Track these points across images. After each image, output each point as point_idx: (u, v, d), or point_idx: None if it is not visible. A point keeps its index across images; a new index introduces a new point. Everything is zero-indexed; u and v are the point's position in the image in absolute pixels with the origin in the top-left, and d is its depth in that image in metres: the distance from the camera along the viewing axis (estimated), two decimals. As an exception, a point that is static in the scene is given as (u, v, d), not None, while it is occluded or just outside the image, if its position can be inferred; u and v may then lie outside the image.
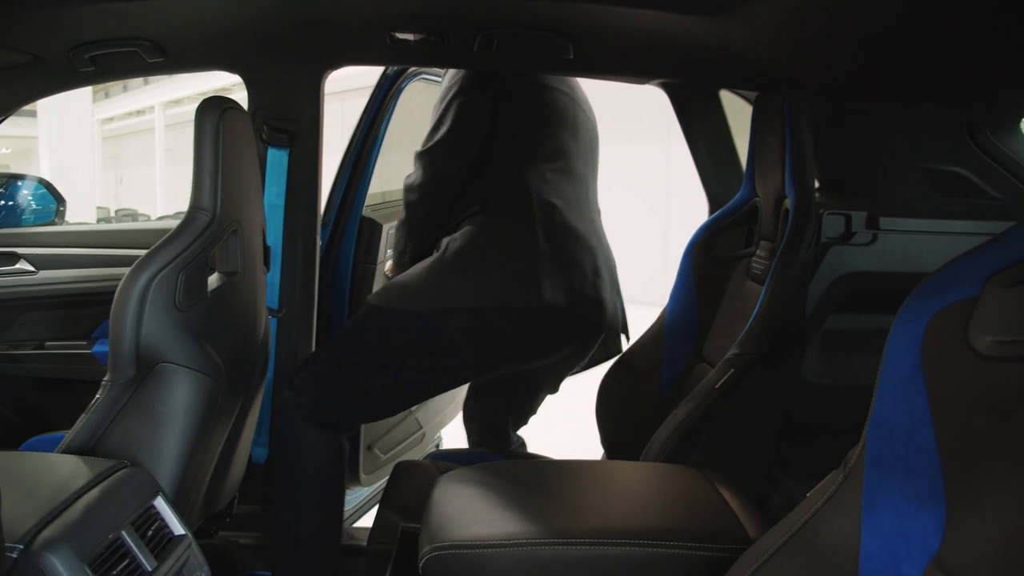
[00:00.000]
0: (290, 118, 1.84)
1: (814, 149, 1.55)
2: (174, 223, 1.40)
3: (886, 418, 0.72)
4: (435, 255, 1.71)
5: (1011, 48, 1.40)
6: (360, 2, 1.56)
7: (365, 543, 1.88)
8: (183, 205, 1.39)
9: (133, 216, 10.21)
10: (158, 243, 1.30)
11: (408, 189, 1.83)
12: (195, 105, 1.41)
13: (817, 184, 1.88)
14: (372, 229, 2.21)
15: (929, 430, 0.68)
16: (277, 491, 1.74)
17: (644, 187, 8.98)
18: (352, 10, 1.60)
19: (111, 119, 16.57)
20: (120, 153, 16.92)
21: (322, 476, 1.70)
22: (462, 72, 1.79)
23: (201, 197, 1.35)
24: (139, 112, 15.51)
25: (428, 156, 1.79)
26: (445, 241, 1.72)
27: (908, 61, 1.51)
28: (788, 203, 1.50)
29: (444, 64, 1.90)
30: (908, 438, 0.70)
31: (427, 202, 1.81)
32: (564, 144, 1.81)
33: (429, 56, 1.81)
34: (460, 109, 1.75)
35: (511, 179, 1.74)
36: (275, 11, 1.60)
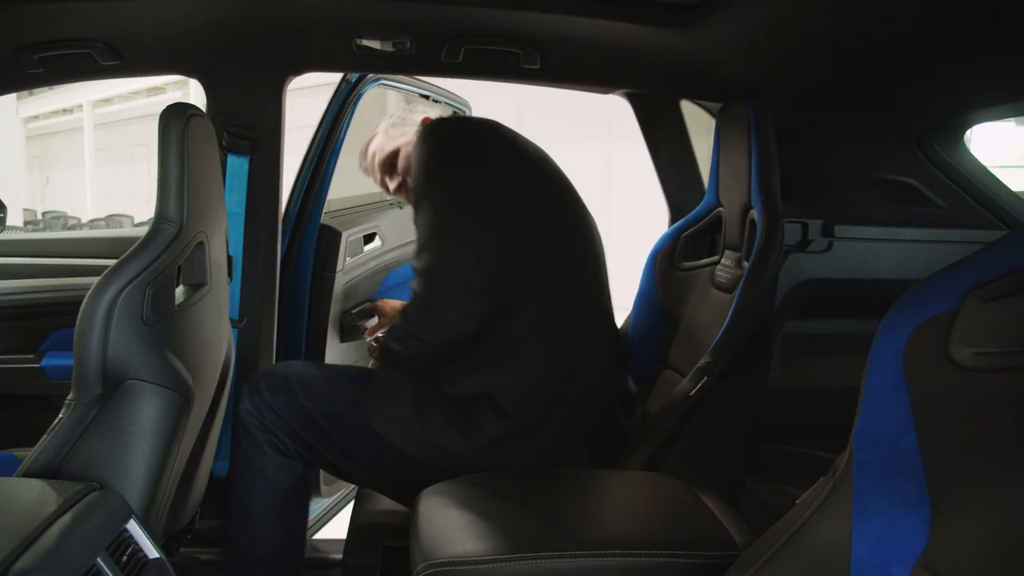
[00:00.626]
0: (250, 124, 1.81)
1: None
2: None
3: (872, 426, 0.74)
4: (434, 400, 1.49)
5: (960, 63, 1.47)
6: (325, 7, 1.53)
7: (334, 557, 1.85)
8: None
9: (63, 219, 9.79)
10: (124, 255, 1.25)
11: (410, 335, 1.51)
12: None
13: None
14: (331, 237, 2.17)
15: (913, 438, 0.71)
16: (232, 509, 1.62)
17: (585, 189, 9.06)
18: (316, 15, 1.57)
19: (36, 117, 15.91)
20: (46, 153, 16.23)
21: (281, 501, 1.56)
22: (455, 194, 1.49)
23: (167, 207, 1.31)
24: (66, 111, 14.93)
25: (430, 314, 1.47)
26: (450, 391, 1.49)
27: (865, 71, 1.57)
28: (755, 214, 1.54)
29: (410, 72, 1.88)
30: (893, 446, 0.73)
31: (431, 355, 1.52)
32: (583, 265, 1.58)
33: (395, 64, 1.79)
34: (465, 255, 1.45)
35: (524, 326, 1.48)
36: (236, 14, 1.56)
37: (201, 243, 1.42)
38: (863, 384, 0.75)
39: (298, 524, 1.62)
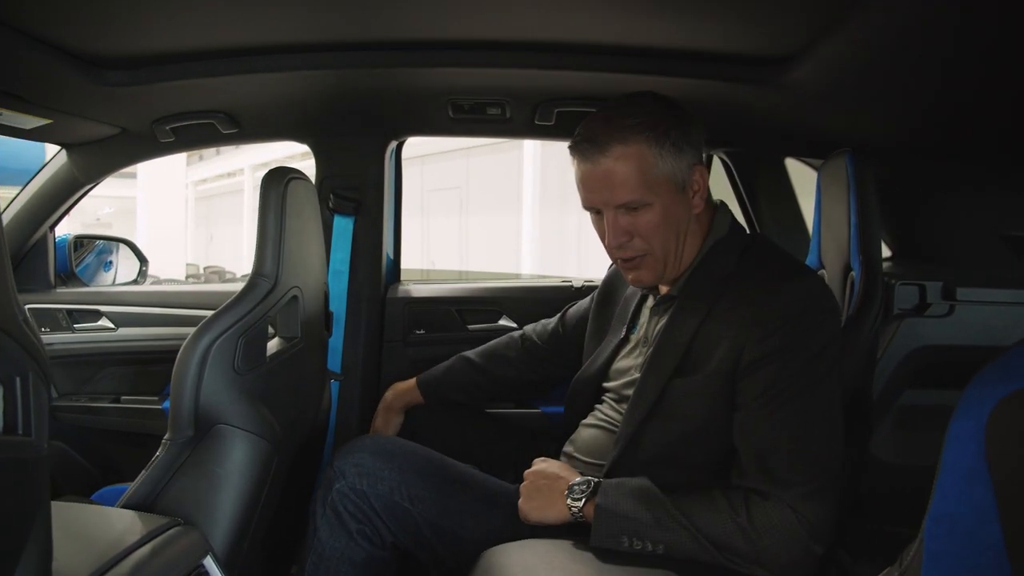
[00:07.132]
0: (355, 187, 1.90)
1: (886, 216, 1.49)
2: (233, 283, 1.41)
3: (947, 514, 0.67)
4: None
5: None
6: (424, 75, 1.60)
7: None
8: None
9: (220, 273, 10.65)
10: (220, 307, 1.34)
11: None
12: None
13: (890, 253, 1.81)
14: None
15: (996, 529, 0.63)
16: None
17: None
18: (416, 84, 1.64)
19: (204, 180, 17.45)
20: (211, 212, 17.73)
21: None
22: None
23: (263, 264, 1.38)
24: (230, 174, 16.30)
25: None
26: None
27: (986, 121, 1.45)
28: (854, 274, 1.44)
29: (505, 135, 1.92)
30: (971, 536, 0.65)
31: None
32: None
33: (491, 128, 1.84)
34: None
35: None
36: (343, 86, 1.66)
37: (295, 298, 1.49)
38: (938, 466, 0.67)
39: None
